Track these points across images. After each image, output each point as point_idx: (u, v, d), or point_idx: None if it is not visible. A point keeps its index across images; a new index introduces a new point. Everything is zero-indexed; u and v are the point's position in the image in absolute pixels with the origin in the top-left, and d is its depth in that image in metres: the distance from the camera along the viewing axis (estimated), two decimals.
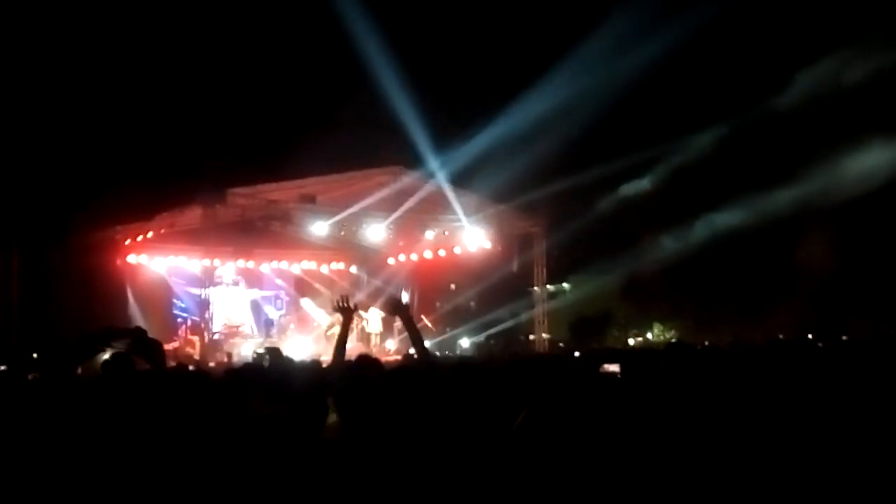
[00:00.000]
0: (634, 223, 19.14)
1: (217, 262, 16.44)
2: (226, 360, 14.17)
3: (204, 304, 15.53)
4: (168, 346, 13.75)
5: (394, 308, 4.72)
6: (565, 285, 21.42)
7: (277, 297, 19.53)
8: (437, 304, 19.71)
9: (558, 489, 2.35)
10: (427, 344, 4.51)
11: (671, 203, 18.48)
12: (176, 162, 15.37)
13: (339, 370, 3.89)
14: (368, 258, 19.56)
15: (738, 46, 17.27)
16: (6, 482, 2.73)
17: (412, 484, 2.57)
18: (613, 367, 4.49)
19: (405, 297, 17.90)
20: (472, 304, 19.48)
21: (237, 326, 17.78)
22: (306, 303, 19.40)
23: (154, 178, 14.56)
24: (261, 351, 11.04)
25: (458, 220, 16.54)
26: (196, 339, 15.85)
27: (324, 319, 18.55)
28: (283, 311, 19.42)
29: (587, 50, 15.34)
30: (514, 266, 18.00)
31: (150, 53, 16.32)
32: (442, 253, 18.26)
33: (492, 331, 17.81)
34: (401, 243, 18.61)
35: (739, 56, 17.34)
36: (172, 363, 5.57)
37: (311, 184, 15.30)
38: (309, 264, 19.53)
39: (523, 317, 18.26)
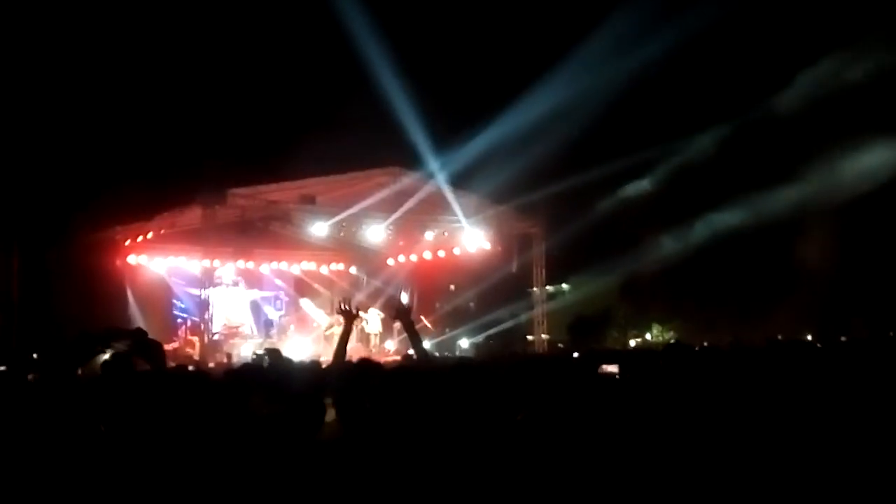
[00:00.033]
0: (634, 223, 19.14)
1: (217, 262, 16.43)
2: (225, 360, 14.18)
3: (204, 305, 15.53)
4: (168, 347, 13.75)
5: (396, 314, 4.75)
6: (564, 286, 21.42)
7: (277, 297, 19.54)
8: (437, 304, 19.70)
9: (557, 489, 2.36)
10: (427, 344, 4.54)
11: (671, 203, 18.48)
12: (176, 162, 15.38)
13: (338, 371, 3.91)
14: (368, 259, 19.57)
15: (737, 46, 17.28)
16: (6, 482, 2.74)
17: (411, 484, 2.57)
18: (612, 368, 4.49)
19: (405, 298, 17.93)
20: (472, 304, 19.48)
21: (237, 327, 17.80)
22: (306, 303, 19.41)
23: (154, 178, 14.56)
24: (260, 352, 11.04)
25: (458, 221, 16.55)
26: (196, 339, 15.86)
27: (323, 320, 18.57)
28: (282, 312, 19.43)
29: (587, 50, 15.37)
30: (514, 267, 18.00)
31: (151, 54, 16.33)
32: (441, 254, 18.28)
33: (491, 331, 17.80)
34: (400, 244, 18.62)
35: (739, 56, 17.35)
36: (172, 363, 5.57)
37: (310, 184, 15.31)
38: (309, 265, 19.54)
39: (522, 317, 18.26)
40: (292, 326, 18.57)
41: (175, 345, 15.84)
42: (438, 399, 3.10)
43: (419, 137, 14.69)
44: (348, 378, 3.24)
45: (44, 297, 14.35)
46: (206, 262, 15.71)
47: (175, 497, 2.70)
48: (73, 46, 15.22)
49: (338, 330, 16.68)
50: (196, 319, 16.37)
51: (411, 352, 4.50)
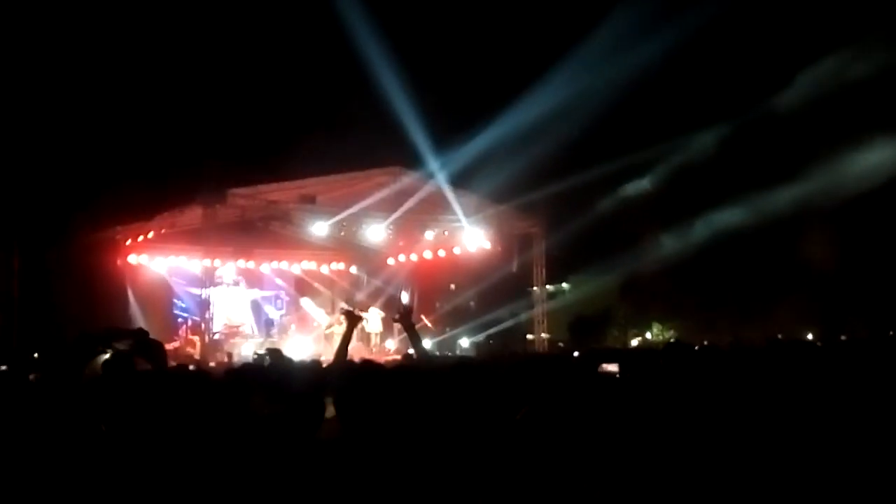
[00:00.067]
0: (634, 223, 19.15)
1: (217, 262, 16.44)
2: (226, 360, 14.18)
3: (204, 305, 15.54)
4: (169, 346, 13.75)
5: (396, 319, 4.77)
6: (565, 285, 21.44)
7: (278, 297, 19.55)
8: (437, 304, 19.72)
9: (556, 488, 2.37)
10: (427, 344, 4.57)
11: (671, 203, 18.49)
12: (176, 162, 15.40)
13: (339, 370, 3.92)
14: (368, 258, 19.58)
15: (738, 46, 17.29)
16: (7, 482, 2.75)
17: (410, 483, 2.58)
18: (612, 367, 4.50)
19: (405, 298, 17.96)
20: (472, 304, 19.49)
21: (237, 326, 17.81)
22: (306, 302, 19.42)
23: (154, 178, 14.59)
24: (261, 351, 11.05)
25: (458, 221, 16.55)
26: (196, 339, 15.87)
27: (323, 319, 18.59)
28: (283, 311, 19.45)
29: (587, 50, 15.38)
30: (514, 266, 18.01)
31: (151, 54, 16.35)
32: (442, 253, 18.28)
33: (491, 331, 17.81)
34: (401, 243, 18.63)
35: (739, 55, 17.36)
36: (173, 363, 5.58)
37: (311, 184, 15.32)
38: (309, 264, 19.55)
39: (523, 317, 18.27)
40: (293, 326, 18.58)
41: (176, 344, 15.84)
42: (439, 398, 3.10)
43: (419, 137, 14.72)
44: (349, 378, 3.24)
45: (44, 296, 14.37)
46: (207, 262, 15.72)
47: (176, 496, 2.71)
48: (74, 47, 15.24)
49: (338, 329, 16.75)
50: (197, 319, 16.37)
51: (412, 351, 4.51)
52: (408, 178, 15.54)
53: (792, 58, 16.17)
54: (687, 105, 17.57)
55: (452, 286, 19.86)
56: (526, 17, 18.19)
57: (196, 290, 16.53)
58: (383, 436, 2.73)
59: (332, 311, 18.89)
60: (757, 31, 17.19)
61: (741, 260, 18.59)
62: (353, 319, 4.71)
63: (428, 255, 18.36)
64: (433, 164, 15.03)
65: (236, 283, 18.24)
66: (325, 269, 19.88)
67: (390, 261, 19.25)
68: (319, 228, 16.41)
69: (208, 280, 15.67)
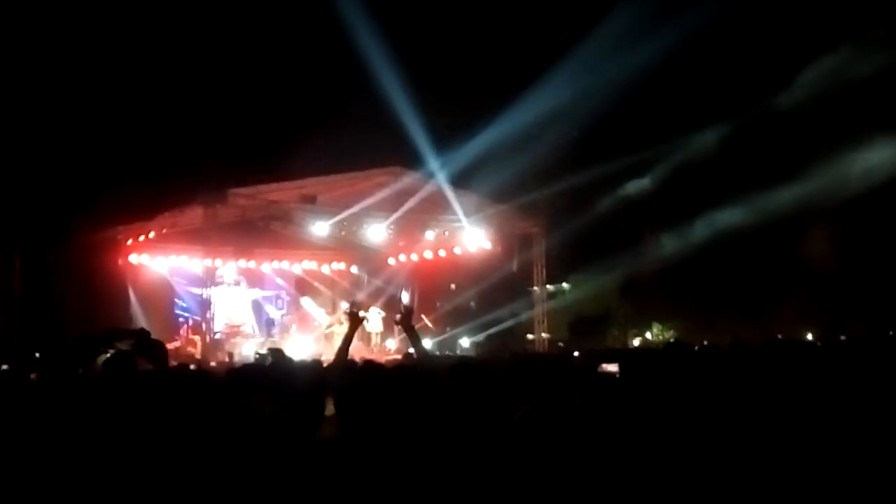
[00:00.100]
0: (634, 222, 19.15)
1: (218, 261, 16.47)
2: (227, 359, 14.21)
3: (205, 304, 15.56)
4: (170, 346, 13.72)
5: (399, 319, 4.79)
6: (565, 285, 21.43)
7: (278, 296, 19.58)
8: (438, 303, 19.74)
9: (556, 488, 2.38)
10: (427, 344, 4.58)
11: (671, 202, 18.49)
12: (176, 162, 15.39)
13: (339, 370, 3.93)
14: (369, 258, 19.60)
15: (738, 45, 17.27)
16: (7, 482, 2.76)
17: (410, 483, 2.59)
18: (612, 367, 4.51)
19: (405, 298, 17.98)
20: (472, 303, 19.50)
21: (238, 326, 17.84)
22: (307, 302, 19.45)
23: (155, 178, 14.57)
24: (263, 351, 11.07)
25: (458, 221, 16.56)
26: (197, 338, 15.89)
27: (324, 319, 18.62)
28: (284, 311, 19.48)
29: (587, 49, 15.36)
30: (514, 266, 18.02)
31: (151, 53, 16.34)
32: (442, 253, 18.30)
33: (492, 330, 17.83)
34: (401, 243, 18.65)
35: (740, 54, 17.34)
36: (174, 363, 5.60)
37: (311, 184, 15.33)
38: (310, 264, 19.57)
39: (523, 316, 18.28)
40: (294, 325, 18.61)
41: (177, 344, 15.87)
42: (439, 398, 3.12)
43: (420, 137, 14.71)
44: (350, 377, 3.26)
45: (46, 296, 14.38)
46: (208, 262, 15.74)
47: (177, 496, 2.72)
48: (73, 46, 15.24)
49: (338, 329, 16.79)
50: (198, 318, 16.39)
51: (412, 351, 4.53)
52: (408, 178, 15.55)
53: (792, 57, 16.17)
54: (687, 104, 17.56)
55: (453, 286, 19.88)
56: (526, 17, 18.19)
57: (197, 290, 16.56)
58: (383, 436, 2.74)
59: (332, 311, 18.93)
60: (757, 31, 17.18)
61: (741, 260, 18.58)
62: (355, 320, 4.74)
63: (428, 254, 18.38)
64: (434, 163, 15.04)
65: (237, 283, 18.27)
66: (325, 269, 19.90)
67: (391, 260, 19.27)
68: (320, 228, 16.43)
69: (209, 280, 15.69)
